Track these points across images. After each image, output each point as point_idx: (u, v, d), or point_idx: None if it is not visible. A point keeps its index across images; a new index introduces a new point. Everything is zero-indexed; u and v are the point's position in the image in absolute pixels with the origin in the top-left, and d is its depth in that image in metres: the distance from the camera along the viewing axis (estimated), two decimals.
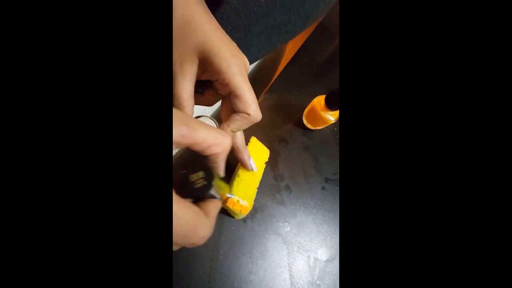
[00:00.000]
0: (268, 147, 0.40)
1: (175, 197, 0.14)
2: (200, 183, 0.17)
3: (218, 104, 0.49)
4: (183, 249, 0.18)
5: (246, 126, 0.23)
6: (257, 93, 0.43)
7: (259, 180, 0.33)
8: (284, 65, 0.47)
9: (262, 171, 0.34)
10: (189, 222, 0.14)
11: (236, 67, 0.20)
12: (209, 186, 0.17)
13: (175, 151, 0.37)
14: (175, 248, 0.16)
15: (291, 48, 0.54)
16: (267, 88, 0.44)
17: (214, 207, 0.18)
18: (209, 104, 0.27)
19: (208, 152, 0.17)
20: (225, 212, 0.33)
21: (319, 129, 0.42)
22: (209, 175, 0.17)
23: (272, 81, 0.46)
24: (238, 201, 0.29)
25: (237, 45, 0.28)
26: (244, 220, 0.34)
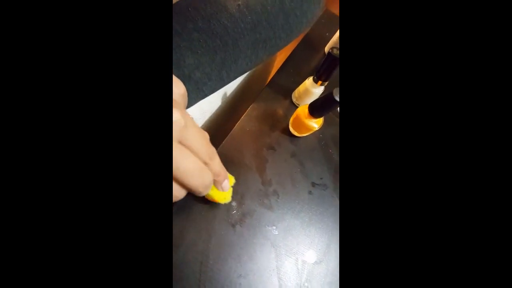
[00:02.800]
0: (256, 155, 0.41)
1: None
2: None
3: (216, 105, 0.50)
4: (173, 253, 0.19)
5: None
6: (247, 104, 0.45)
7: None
8: (272, 75, 0.50)
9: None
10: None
11: None
12: None
13: None
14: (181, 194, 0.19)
15: (279, 60, 0.57)
16: (255, 98, 0.46)
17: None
18: None
19: None
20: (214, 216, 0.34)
21: (305, 136, 0.44)
22: None
23: (261, 91, 0.48)
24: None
25: (226, 59, 0.30)
26: (233, 225, 0.35)
